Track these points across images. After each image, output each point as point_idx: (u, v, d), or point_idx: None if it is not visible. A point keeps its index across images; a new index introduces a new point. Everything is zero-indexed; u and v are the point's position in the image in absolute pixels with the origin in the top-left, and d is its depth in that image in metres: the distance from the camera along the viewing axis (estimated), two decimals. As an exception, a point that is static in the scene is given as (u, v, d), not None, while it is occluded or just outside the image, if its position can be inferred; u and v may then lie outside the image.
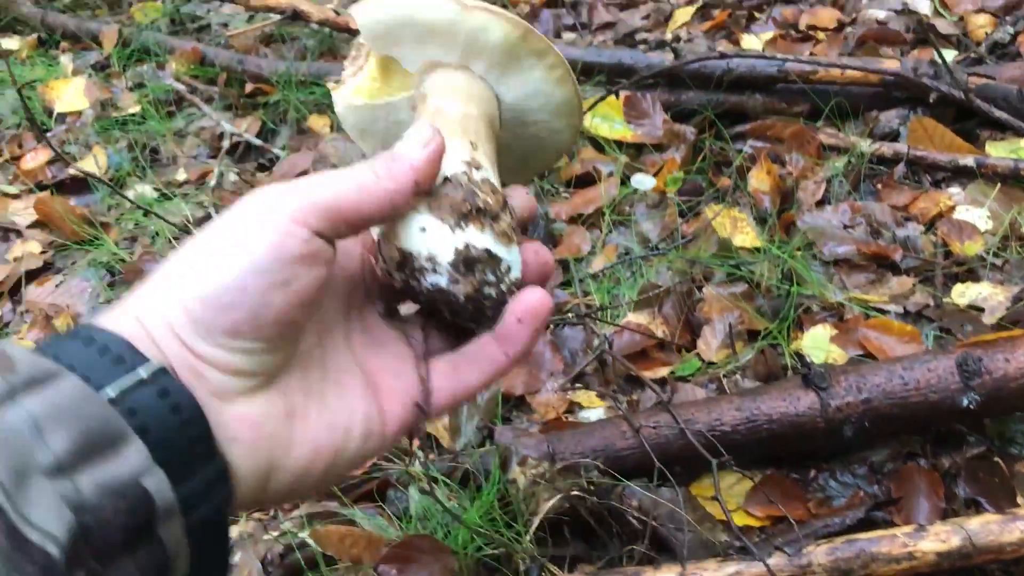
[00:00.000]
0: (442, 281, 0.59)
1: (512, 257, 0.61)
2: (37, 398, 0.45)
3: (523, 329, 0.60)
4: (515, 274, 0.61)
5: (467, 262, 0.59)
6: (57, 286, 1.95)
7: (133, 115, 2.57)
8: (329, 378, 0.60)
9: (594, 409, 1.55)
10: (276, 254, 0.52)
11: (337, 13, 2.54)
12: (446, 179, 0.60)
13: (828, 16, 2.45)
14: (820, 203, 1.92)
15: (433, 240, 0.59)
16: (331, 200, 0.54)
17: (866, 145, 1.99)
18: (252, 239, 0.52)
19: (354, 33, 2.52)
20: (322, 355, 0.60)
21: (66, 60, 2.92)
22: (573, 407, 1.57)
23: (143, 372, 0.48)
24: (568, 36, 2.64)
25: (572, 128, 0.71)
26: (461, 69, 0.66)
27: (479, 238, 0.59)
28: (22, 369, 0.45)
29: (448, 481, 1.38)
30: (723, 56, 1.96)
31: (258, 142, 2.36)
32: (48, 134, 2.63)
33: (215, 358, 0.51)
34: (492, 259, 0.59)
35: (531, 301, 0.60)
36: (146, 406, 0.48)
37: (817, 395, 1.32)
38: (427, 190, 0.59)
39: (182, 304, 0.51)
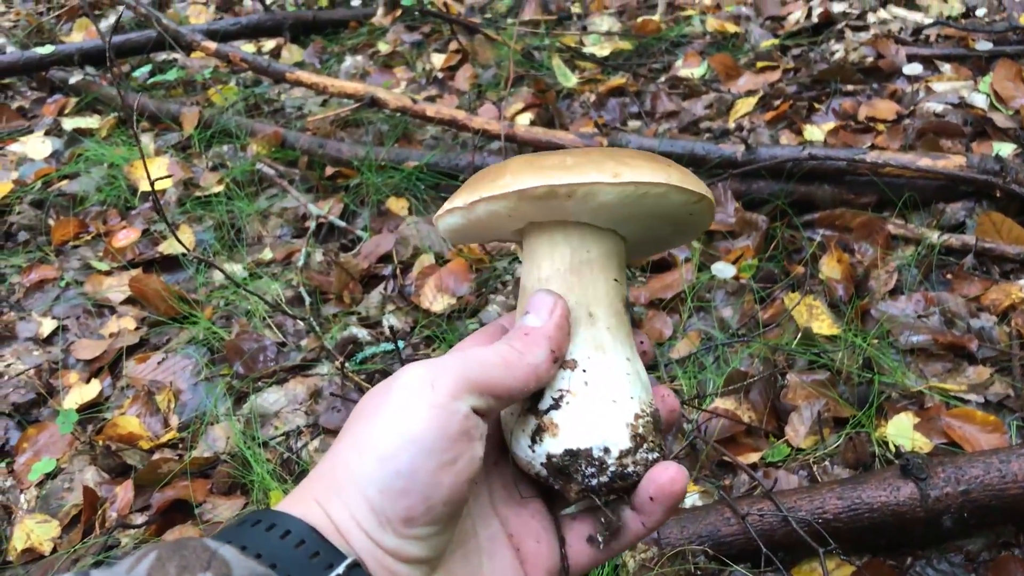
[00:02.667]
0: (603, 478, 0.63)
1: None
2: None
3: (656, 507, 0.64)
4: (654, 455, 0.65)
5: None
6: (159, 363, 2.03)
7: (216, 195, 2.68)
8: (483, 549, 0.63)
9: (689, 494, 1.61)
10: (440, 433, 0.55)
11: (414, 101, 2.67)
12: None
13: (887, 108, 2.55)
14: (892, 292, 2.00)
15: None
16: (482, 377, 0.58)
17: (935, 236, 2.07)
18: (415, 420, 0.55)
19: (428, 120, 2.64)
20: (472, 524, 0.63)
21: (147, 140, 3.06)
22: (667, 490, 1.62)
23: (340, 569, 0.52)
24: (633, 124, 2.75)
25: (706, 221, 0.74)
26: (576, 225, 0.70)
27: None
28: (239, 574, 0.49)
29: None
30: (812, 158, 2.06)
31: (341, 223, 2.47)
32: (133, 212, 2.75)
33: (398, 550, 0.55)
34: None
35: (663, 480, 0.63)
36: None
37: (916, 486, 1.37)
38: (563, 356, 0.64)
39: (361, 493, 0.54)
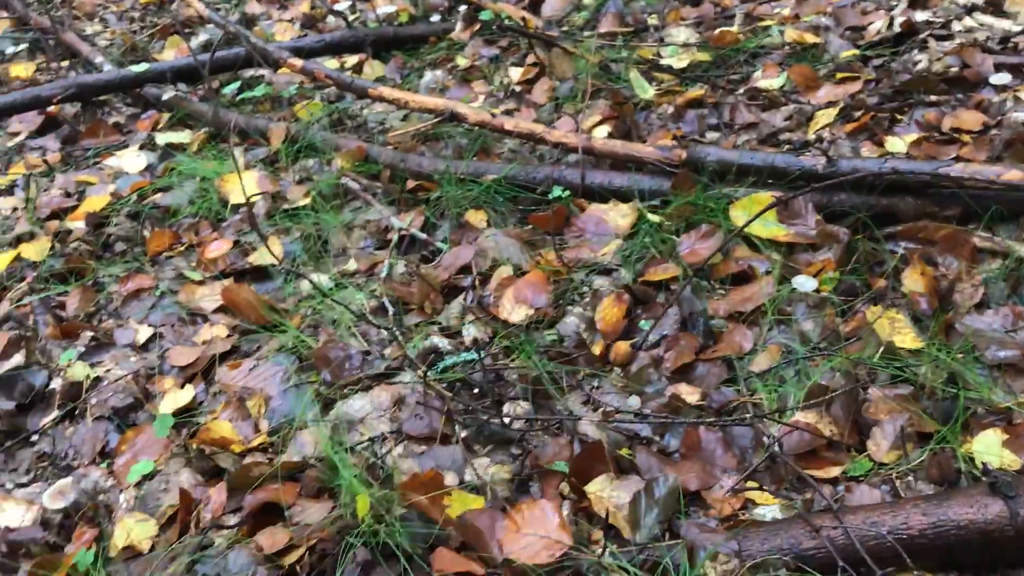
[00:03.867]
0: None
1: None
2: None
3: None
4: None
5: None
6: (251, 370, 2.11)
7: (302, 207, 2.77)
8: None
9: (769, 507, 1.61)
10: None
11: (493, 115, 2.72)
12: None
13: (972, 119, 2.51)
14: (979, 306, 1.97)
15: None
16: None
17: (1023, 249, 2.03)
18: None
19: (506, 133, 2.69)
20: None
21: (237, 154, 3.17)
22: (747, 504, 1.63)
23: None
24: (711, 135, 2.75)
25: None
26: None
27: None
28: None
29: (639, 572, 1.46)
30: (895, 171, 2.06)
31: (422, 236, 2.53)
32: (223, 223, 2.86)
33: None
34: None
35: None
36: None
37: (1006, 503, 1.36)
38: None
39: None
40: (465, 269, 2.39)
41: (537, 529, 1.56)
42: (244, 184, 2.82)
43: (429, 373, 1.99)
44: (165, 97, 3.57)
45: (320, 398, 2.02)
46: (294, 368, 2.11)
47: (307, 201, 2.80)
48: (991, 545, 1.37)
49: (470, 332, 2.17)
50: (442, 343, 2.11)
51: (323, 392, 2.03)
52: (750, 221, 2.00)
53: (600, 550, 1.52)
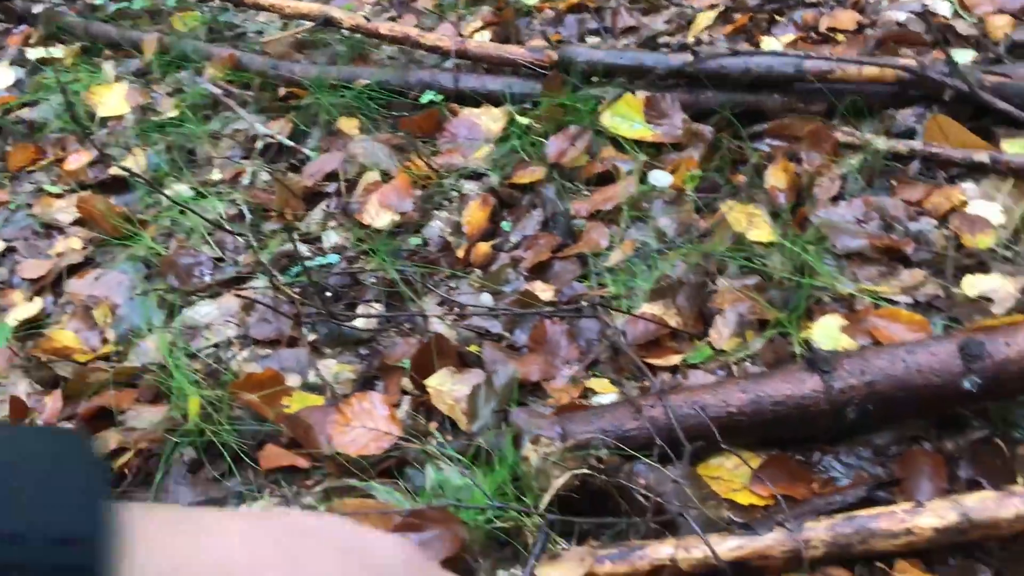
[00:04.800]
0: None
1: None
2: None
3: None
4: None
5: None
6: (96, 279, 2.03)
7: (172, 119, 2.66)
8: None
9: (607, 394, 1.60)
10: None
11: (367, 19, 2.62)
12: None
13: (848, 18, 2.48)
14: (835, 199, 1.95)
15: None
16: None
17: (882, 143, 2.02)
18: None
19: (381, 38, 2.60)
20: None
21: (108, 67, 3.03)
22: (587, 393, 1.62)
23: None
24: (592, 40, 2.69)
25: None
26: None
27: None
28: None
29: (463, 459, 1.43)
30: (736, 53, 2.00)
31: (290, 143, 2.44)
32: (91, 137, 2.74)
33: None
34: None
35: None
36: None
37: (821, 378, 1.35)
38: None
39: None
40: (332, 176, 2.32)
41: (366, 422, 1.52)
42: (110, 97, 2.71)
43: (282, 278, 1.94)
44: (37, 10, 3.39)
45: (166, 305, 1.95)
46: (141, 276, 2.03)
47: (176, 113, 2.69)
48: (808, 419, 1.36)
49: (331, 238, 2.11)
50: (299, 248, 2.05)
51: (169, 299, 1.96)
52: (602, 111, 1.95)
53: (431, 440, 1.50)
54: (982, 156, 1.91)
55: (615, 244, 1.94)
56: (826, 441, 1.42)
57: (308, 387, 1.73)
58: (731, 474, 1.40)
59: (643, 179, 2.07)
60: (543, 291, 1.86)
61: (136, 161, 2.49)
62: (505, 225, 2.06)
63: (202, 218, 2.09)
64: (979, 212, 1.82)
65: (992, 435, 1.38)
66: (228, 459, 1.52)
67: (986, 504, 1.20)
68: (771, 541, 1.23)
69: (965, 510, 1.20)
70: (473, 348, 1.74)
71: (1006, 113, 1.94)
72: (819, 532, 1.23)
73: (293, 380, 1.73)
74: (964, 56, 2.26)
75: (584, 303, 1.78)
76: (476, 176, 2.25)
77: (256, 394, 1.61)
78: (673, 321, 1.71)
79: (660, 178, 1.97)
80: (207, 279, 2.01)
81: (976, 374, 1.31)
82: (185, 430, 1.56)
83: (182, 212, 2.22)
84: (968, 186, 1.91)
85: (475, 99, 2.44)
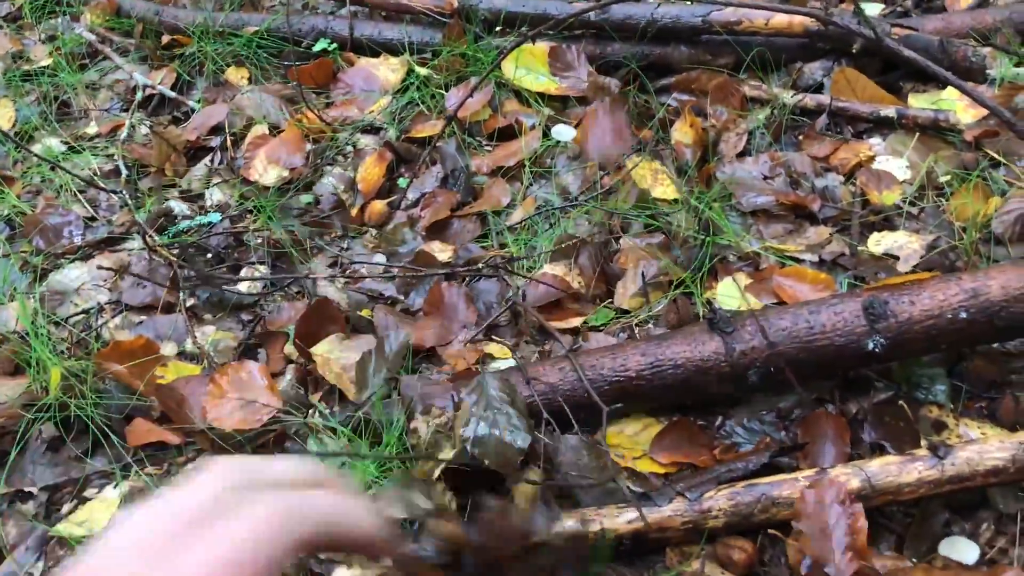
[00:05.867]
0: None
1: None
2: None
3: None
4: None
5: None
6: (-49, 241, 1.86)
7: (45, 68, 2.46)
8: None
9: (505, 360, 1.51)
10: None
11: (257, -37, 2.46)
12: None
13: (758, -30, 2.41)
14: (741, 155, 1.90)
15: None
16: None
17: (789, 96, 1.97)
18: None
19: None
20: None
21: (-24, 12, 2.80)
22: (485, 359, 1.53)
23: None
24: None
25: None
26: None
27: None
28: None
29: (348, 432, 1.34)
30: (641, 1, 1.92)
31: (172, 94, 2.28)
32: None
33: None
34: None
35: None
36: None
37: (722, 340, 1.29)
38: None
39: None
40: (217, 129, 2.17)
41: (244, 393, 1.41)
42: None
43: (159, 238, 1.79)
44: None
45: (31, 268, 1.79)
46: (3, 237, 1.86)
47: (49, 61, 2.48)
48: (708, 382, 1.30)
49: (214, 195, 1.97)
50: (179, 207, 1.91)
51: (34, 262, 1.80)
52: (496, 64, 1.85)
53: (308, 411, 1.40)
54: (889, 111, 1.87)
55: (517, 202, 1.85)
56: (729, 405, 1.37)
57: (185, 356, 1.61)
58: (632, 441, 1.33)
59: (547, 134, 1.98)
60: (441, 251, 1.77)
61: (4, 113, 2.30)
62: (402, 182, 1.95)
63: (71, 175, 1.93)
64: (885, 168, 1.79)
65: (896, 396, 1.35)
66: (93, 435, 1.40)
67: (888, 469, 1.16)
68: (670, 512, 1.17)
69: (867, 476, 1.15)
70: (365, 312, 1.64)
71: (913, 62, 1.90)
72: (719, 501, 1.17)
73: (169, 349, 1.61)
74: (873, 9, 2.23)
75: (484, 264, 1.69)
76: (372, 130, 2.14)
77: (126, 364, 1.48)
78: (575, 282, 1.64)
79: (563, 132, 1.88)
80: (77, 240, 1.86)
81: (880, 334, 1.27)
82: (45, 404, 1.43)
83: (52, 169, 2.05)
84: (875, 141, 1.87)
85: (372, 48, 2.31)
